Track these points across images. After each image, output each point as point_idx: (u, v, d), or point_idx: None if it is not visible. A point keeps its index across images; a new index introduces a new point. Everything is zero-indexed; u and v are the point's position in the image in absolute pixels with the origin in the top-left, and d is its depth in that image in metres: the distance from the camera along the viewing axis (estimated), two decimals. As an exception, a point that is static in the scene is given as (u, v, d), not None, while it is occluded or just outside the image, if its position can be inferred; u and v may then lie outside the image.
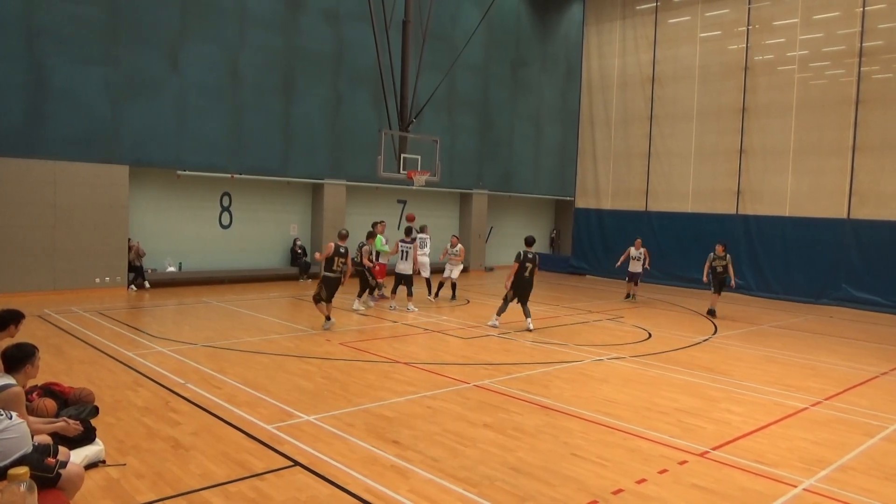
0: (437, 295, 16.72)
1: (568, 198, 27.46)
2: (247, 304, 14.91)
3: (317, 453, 6.09)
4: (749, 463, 6.36)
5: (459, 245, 16.91)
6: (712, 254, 16.06)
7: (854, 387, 9.61)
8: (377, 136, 17.01)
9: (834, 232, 18.74)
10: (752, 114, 20.54)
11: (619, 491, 5.57)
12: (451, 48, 22.03)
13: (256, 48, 18.33)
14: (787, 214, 19.79)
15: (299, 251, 19.98)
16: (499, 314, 13.21)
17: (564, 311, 15.63)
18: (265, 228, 19.85)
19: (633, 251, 18.21)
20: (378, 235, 15.68)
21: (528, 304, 13.23)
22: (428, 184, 18.11)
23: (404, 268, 14.91)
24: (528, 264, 12.93)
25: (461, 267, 16.85)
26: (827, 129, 18.96)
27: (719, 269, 15.83)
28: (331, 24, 19.96)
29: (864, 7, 18.29)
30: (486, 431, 6.91)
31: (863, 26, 18.31)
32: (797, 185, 19.64)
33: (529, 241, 13.25)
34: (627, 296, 18.39)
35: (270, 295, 16.54)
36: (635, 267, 18.13)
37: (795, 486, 5.84)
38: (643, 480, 5.81)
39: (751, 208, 20.62)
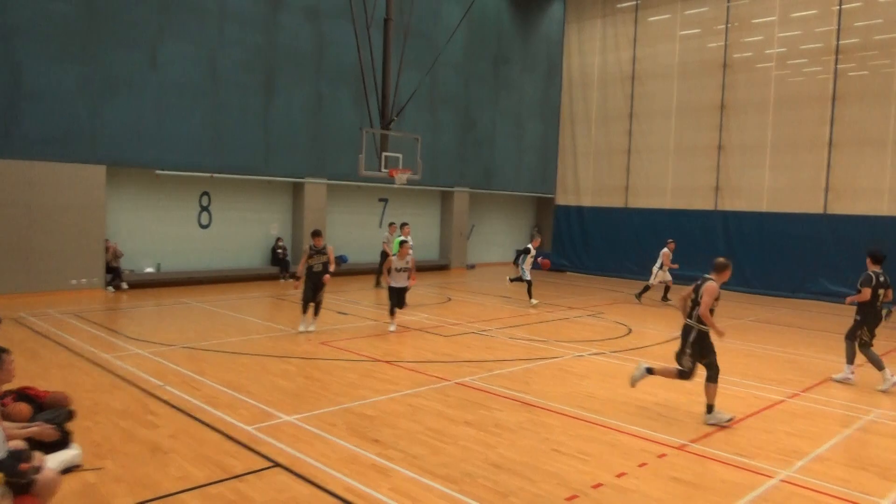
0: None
1: (549, 195, 27.57)
2: (226, 304, 14.80)
3: (297, 453, 6.06)
4: (728, 455, 6.43)
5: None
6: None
7: (830, 378, 9.75)
8: (358, 134, 16.95)
9: (811, 227, 19.01)
10: (731, 110, 20.76)
11: (599, 485, 5.60)
12: (433, 46, 22.00)
13: (236, 46, 18.17)
14: (764, 210, 20.03)
15: (280, 251, 19.86)
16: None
17: (545, 308, 15.70)
18: (245, 228, 19.71)
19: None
20: (400, 238, 15.09)
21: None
22: (409, 182, 18.07)
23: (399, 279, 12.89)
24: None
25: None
26: (804, 126, 19.22)
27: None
28: (311, 22, 19.84)
29: (840, 5, 18.54)
30: (467, 429, 6.92)
31: (839, 24, 18.57)
32: (774, 180, 19.89)
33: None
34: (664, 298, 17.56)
35: (251, 295, 16.42)
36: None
37: (773, 477, 5.91)
38: (623, 474, 5.85)
39: (729, 204, 20.85)
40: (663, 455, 6.36)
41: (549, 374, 9.39)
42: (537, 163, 28.30)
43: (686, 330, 7.56)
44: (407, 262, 12.21)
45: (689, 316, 7.54)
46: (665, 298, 17.63)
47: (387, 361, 9.79)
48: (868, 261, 9.48)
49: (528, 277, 16.08)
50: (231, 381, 8.48)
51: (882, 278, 9.29)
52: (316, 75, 20.07)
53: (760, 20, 20.16)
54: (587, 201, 24.68)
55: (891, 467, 6.28)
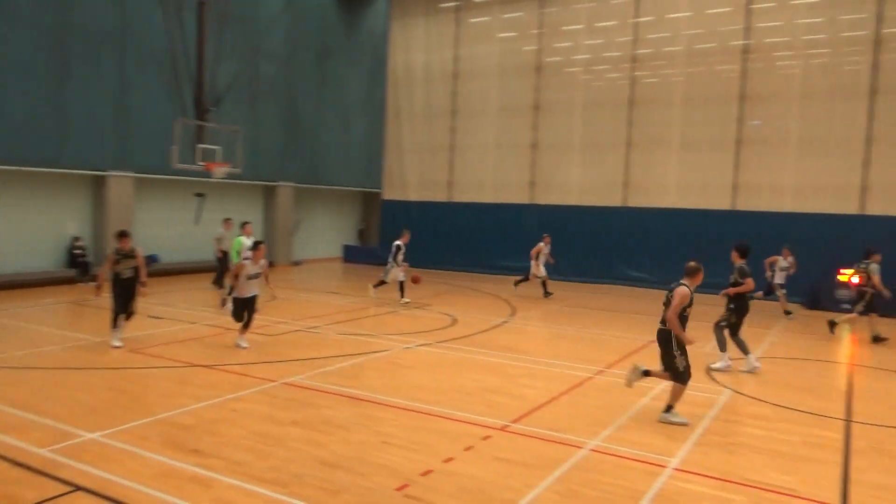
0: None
1: (376, 190, 27.67)
2: (13, 313, 13.03)
3: (103, 474, 5.49)
4: (544, 431, 6.88)
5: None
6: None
7: (630, 354, 10.83)
8: (171, 124, 15.74)
9: (613, 219, 20.94)
10: (544, 111, 22.23)
11: (429, 472, 5.73)
12: (253, 34, 21.06)
13: (21, 24, 16.01)
14: (574, 203, 21.72)
15: (78, 252, 17.88)
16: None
17: (373, 302, 15.75)
18: (34, 226, 17.48)
19: (781, 261, 15.82)
20: (240, 238, 14.04)
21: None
22: (229, 176, 17.17)
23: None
24: None
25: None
26: (606, 126, 21.10)
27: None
28: (112, 0, 18.05)
29: (636, 18, 20.57)
30: (294, 429, 6.73)
31: (636, 36, 20.61)
32: (583, 176, 21.65)
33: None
34: (786, 312, 15.85)
35: (43, 302, 14.62)
36: (780, 278, 15.88)
37: (583, 447, 6.43)
38: (451, 459, 6.03)
39: (543, 198, 22.34)
40: (488, 437, 6.66)
41: (378, 368, 9.42)
42: (364, 158, 28.27)
43: (663, 334, 7.51)
44: (262, 267, 10.42)
45: (662, 321, 7.53)
46: (519, 286, 17.96)
47: (206, 366, 9.22)
48: (735, 254, 10.10)
49: (403, 277, 15.44)
50: (19, 399, 7.48)
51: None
52: (119, 59, 18.30)
53: (569, 27, 21.79)
54: (413, 196, 25.13)
55: (677, 429, 7.11)
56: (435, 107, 24.46)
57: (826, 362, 11.22)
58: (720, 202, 19.46)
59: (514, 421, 7.18)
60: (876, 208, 17.45)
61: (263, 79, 22.96)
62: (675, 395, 7.42)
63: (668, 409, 7.42)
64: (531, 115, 22.39)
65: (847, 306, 15.70)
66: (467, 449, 6.31)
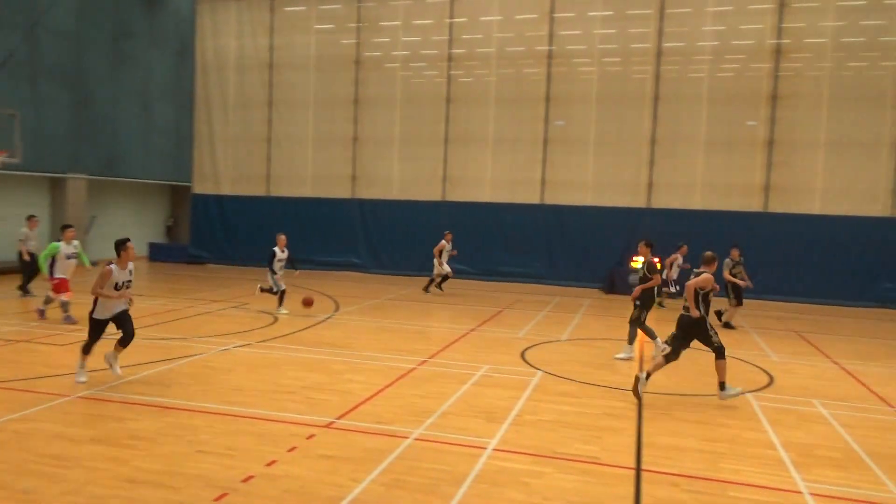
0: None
1: (185, 183, 25.85)
2: None
3: None
4: (369, 425, 6.87)
5: None
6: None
7: (451, 344, 11.19)
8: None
9: (431, 213, 21.49)
10: (364, 105, 22.19)
11: (250, 477, 5.45)
12: (31, 5, 18.57)
13: None
14: (394, 198, 21.97)
15: None
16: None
17: (185, 303, 14.71)
18: None
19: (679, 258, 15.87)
20: (56, 244, 11.95)
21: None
22: (5, 166, 15.03)
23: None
24: None
25: None
26: (425, 122, 21.60)
27: None
28: None
29: (451, 19, 21.23)
30: (93, 447, 6.05)
31: (451, 35, 21.27)
32: (402, 171, 21.97)
33: None
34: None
35: None
36: (675, 273, 16.10)
37: (408, 437, 6.52)
38: (273, 462, 5.79)
39: (365, 192, 22.34)
40: (312, 436, 6.49)
41: (190, 374, 8.80)
42: (170, 148, 26.26)
43: (690, 320, 8.13)
44: (131, 274, 8.23)
45: (686, 308, 8.15)
46: (430, 289, 17.80)
47: (-20, 383, 7.98)
48: (645, 249, 10.58)
49: (281, 286, 13.76)
50: None
51: None
52: None
53: (387, 23, 21.94)
54: (227, 190, 23.84)
55: (495, 411, 7.48)
56: (249, 97, 23.40)
57: (621, 341, 12.43)
58: (530, 196, 20.81)
59: (339, 417, 7.09)
60: (660, 202, 19.71)
61: (46, 56, 20.39)
62: (722, 371, 8.11)
63: (722, 385, 8.12)
64: (351, 108, 22.26)
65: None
66: (291, 450, 6.11)
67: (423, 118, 21.65)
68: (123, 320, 8.10)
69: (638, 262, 19.02)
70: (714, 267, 8.53)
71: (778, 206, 18.80)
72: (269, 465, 5.74)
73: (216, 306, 14.50)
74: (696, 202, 19.41)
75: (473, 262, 20.99)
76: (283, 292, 13.68)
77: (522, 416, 7.38)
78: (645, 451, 6.45)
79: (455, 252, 18.19)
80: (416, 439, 6.51)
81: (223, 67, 23.68)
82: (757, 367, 10.34)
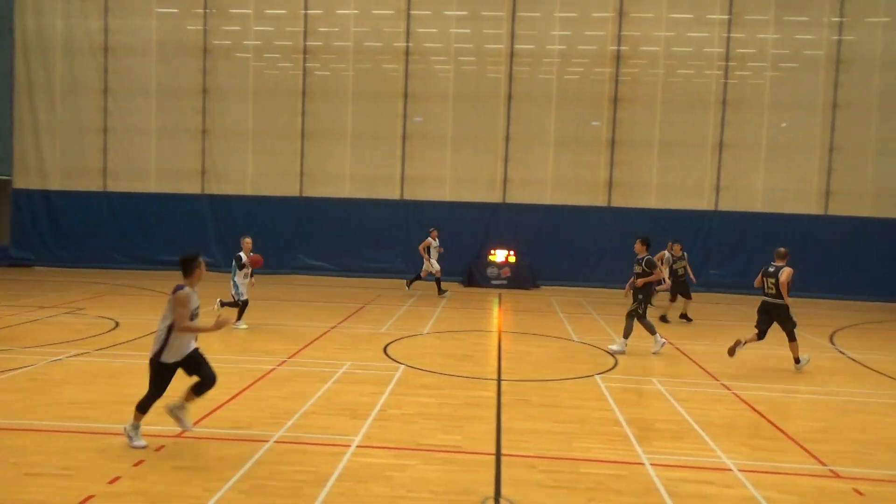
0: None
1: (4, 177, 23.09)
2: None
3: None
4: (226, 431, 6.53)
5: None
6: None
7: (312, 342, 10.93)
8: None
9: (291, 208, 20.86)
10: (214, 95, 21.03)
11: (89, 498, 4.97)
12: None
13: None
14: (249, 193, 21.05)
15: None
16: None
17: (7, 311, 13.14)
18: None
19: (667, 255, 15.09)
20: None
21: None
22: None
23: None
24: None
25: None
26: (280, 115, 20.88)
27: None
28: None
29: (306, 10, 20.65)
30: None
31: (306, 27, 20.69)
32: (256, 165, 21.10)
33: None
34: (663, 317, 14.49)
35: None
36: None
37: (268, 441, 6.26)
38: (117, 479, 5.32)
39: (216, 188, 21.21)
40: (161, 447, 6.05)
41: (16, 388, 7.87)
42: (-14, 138, 23.32)
43: (779, 307, 9.86)
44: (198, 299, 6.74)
45: (775, 296, 9.89)
46: (408, 284, 17.66)
47: None
48: (641, 246, 11.14)
49: (246, 296, 12.30)
50: None
51: None
52: None
53: (237, 11, 20.91)
54: (55, 185, 21.56)
55: (358, 408, 7.40)
56: (81, 83, 21.33)
57: (482, 332, 12.83)
58: (390, 192, 20.83)
59: (192, 425, 6.66)
60: (515, 197, 20.52)
61: None
62: (796, 349, 10.00)
63: (797, 360, 10.00)
64: (199, 98, 21.02)
65: (498, 282, 18.52)
66: (137, 464, 5.64)
67: (279, 111, 20.93)
68: (198, 362, 6.30)
69: (496, 255, 19.82)
70: (788, 259, 10.06)
71: (620, 201, 20.28)
72: (111, 482, 5.27)
73: (45, 313, 13.09)
74: (548, 197, 20.44)
75: (333, 258, 20.69)
76: (245, 304, 12.13)
77: (386, 411, 7.36)
78: (504, 437, 6.67)
79: (442, 249, 17.80)
80: (277, 442, 6.27)
81: (48, 49, 21.36)
82: (604, 350, 11.07)
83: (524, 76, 20.37)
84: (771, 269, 10.04)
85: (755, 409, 8.01)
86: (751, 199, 20.11)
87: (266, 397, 7.75)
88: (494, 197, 20.62)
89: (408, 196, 20.79)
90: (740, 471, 6.02)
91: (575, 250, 19.98)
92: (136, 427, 6.07)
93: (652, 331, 10.90)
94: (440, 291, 17.40)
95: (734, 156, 20.04)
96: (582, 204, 20.28)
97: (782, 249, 10.15)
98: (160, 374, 6.09)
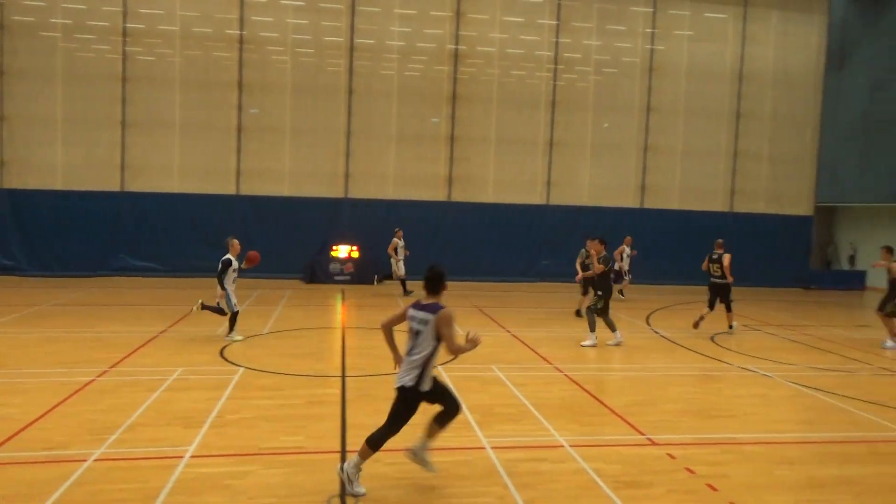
0: None
1: None
2: None
3: None
4: (35, 453, 5.82)
5: None
6: None
7: (138, 349, 10.07)
8: None
9: (106, 203, 19.00)
10: (12, 78, 18.65)
11: None
12: None
13: None
14: (59, 188, 18.94)
15: None
16: None
17: None
18: None
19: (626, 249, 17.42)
20: None
21: None
22: None
23: None
24: None
25: None
26: (97, 103, 18.96)
27: None
28: None
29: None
30: None
31: (125, 7, 18.91)
32: (68, 157, 19.01)
33: None
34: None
35: None
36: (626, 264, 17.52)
37: (86, 460, 5.66)
38: None
39: (18, 181, 18.85)
40: (-50, 478, 5.24)
41: None
42: None
43: None
44: None
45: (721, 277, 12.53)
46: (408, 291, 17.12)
47: None
48: (598, 245, 11.52)
49: (236, 307, 10.85)
50: None
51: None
52: None
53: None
54: None
55: (192, 416, 6.93)
56: None
57: (325, 329, 12.59)
58: (224, 186, 19.77)
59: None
60: (357, 192, 20.35)
61: None
62: (731, 318, 12.61)
63: (731, 326, 12.62)
64: (-4, 81, 18.56)
65: (341, 278, 18.29)
66: (-82, 500, 4.85)
67: (94, 98, 19.00)
68: (442, 389, 5.50)
69: (339, 251, 19.53)
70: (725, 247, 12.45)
71: (460, 196, 20.87)
72: None
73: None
74: (390, 192, 20.52)
75: (161, 258, 19.25)
76: (236, 314, 10.85)
77: (223, 417, 6.97)
78: (349, 433, 6.59)
79: (408, 252, 17.34)
80: (98, 460, 5.69)
81: None
82: (446, 341, 11.32)
83: (365, 71, 20.25)
84: (715, 256, 12.79)
85: (584, 389, 8.61)
86: (578, 193, 21.63)
87: (84, 412, 7.01)
88: (336, 192, 20.33)
89: (244, 191, 19.85)
90: (571, 446, 6.43)
91: (418, 244, 20.25)
92: (359, 468, 5.28)
93: (612, 327, 11.32)
94: (405, 292, 17.12)
95: (563, 153, 21.42)
96: (424, 199, 20.61)
97: (720, 241, 12.82)
98: (412, 406, 5.32)
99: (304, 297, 16.45)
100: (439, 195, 20.82)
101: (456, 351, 5.24)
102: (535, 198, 21.41)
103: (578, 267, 14.04)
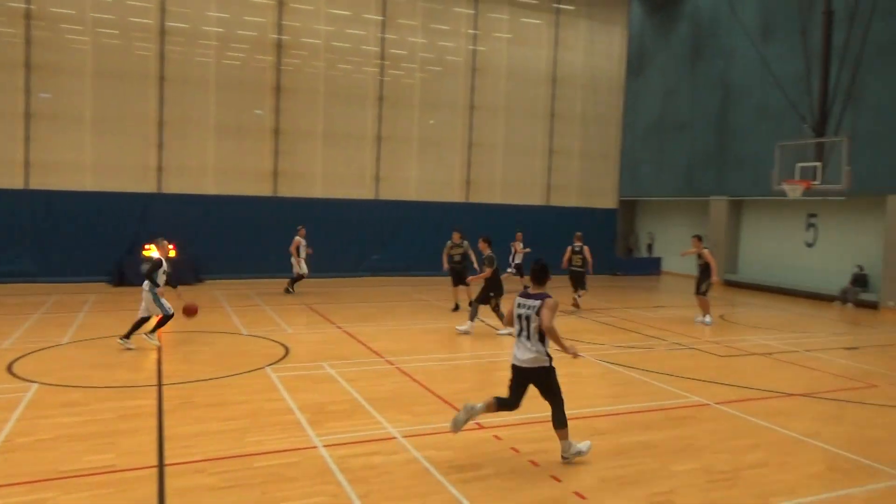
0: None
1: None
2: None
3: None
4: None
5: None
6: None
7: None
8: None
9: None
10: None
11: None
12: None
13: None
14: None
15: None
16: None
17: None
18: None
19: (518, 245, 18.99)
20: None
21: None
22: None
23: None
24: None
25: None
26: None
27: None
28: None
29: None
30: None
31: None
32: None
33: None
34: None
35: None
36: (519, 258, 18.88)
37: None
38: None
39: None
40: None
41: None
42: None
43: None
44: None
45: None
46: (288, 289, 16.70)
47: None
48: (484, 244, 12.59)
49: (168, 310, 10.35)
50: None
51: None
52: None
53: None
54: None
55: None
56: None
57: (136, 335, 11.54)
58: (11, 181, 17.37)
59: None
60: (172, 187, 18.90)
61: None
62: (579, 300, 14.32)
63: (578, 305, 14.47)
64: None
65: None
66: None
67: None
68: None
69: (151, 249, 17.99)
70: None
71: (286, 191, 20.21)
72: None
73: None
74: (210, 187, 19.32)
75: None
76: (167, 318, 10.36)
77: (13, 441, 6.12)
78: (168, 445, 6.10)
79: (311, 250, 16.91)
80: None
81: None
82: (274, 341, 10.92)
83: (178, 57, 18.81)
84: (577, 248, 15.26)
85: (415, 379, 8.74)
86: (406, 188, 21.92)
87: None
88: (148, 186, 18.71)
89: (35, 185, 17.56)
90: (403, 437, 6.49)
91: (241, 241, 19.33)
92: (571, 443, 6.03)
93: (504, 319, 11.54)
94: (288, 289, 16.73)
95: (391, 148, 21.57)
96: (247, 194, 19.69)
97: (579, 233, 15.47)
98: (554, 376, 6.09)
99: (111, 302, 14.96)
100: (265, 190, 20.00)
101: (550, 330, 5.86)
102: (365, 192, 21.35)
103: (445, 259, 14.59)
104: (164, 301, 10.29)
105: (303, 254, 16.85)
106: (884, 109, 18.01)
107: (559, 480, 5.64)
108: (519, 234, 19.29)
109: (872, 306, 18.08)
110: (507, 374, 6.25)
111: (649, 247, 28.21)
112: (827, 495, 5.57)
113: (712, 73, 24.05)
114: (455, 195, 22.66)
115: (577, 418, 7.29)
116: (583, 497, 5.34)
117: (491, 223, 22.01)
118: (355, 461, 5.85)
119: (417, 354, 10.30)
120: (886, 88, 17.92)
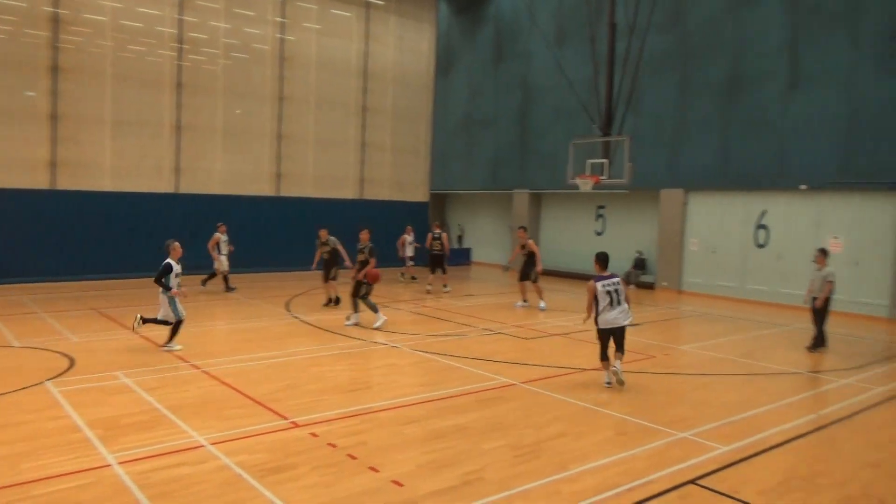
0: None
1: None
2: None
3: None
4: None
5: None
6: None
7: None
8: None
9: None
10: None
11: None
12: None
13: None
14: None
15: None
16: None
17: None
18: None
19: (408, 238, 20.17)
20: None
21: None
22: None
23: None
24: None
25: None
26: None
27: None
28: None
29: None
30: None
31: None
32: None
33: None
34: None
35: None
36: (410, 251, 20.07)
37: None
38: None
39: None
40: None
41: None
42: None
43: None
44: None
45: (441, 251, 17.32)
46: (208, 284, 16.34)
47: None
48: (368, 235, 12.74)
49: (182, 314, 9.82)
50: None
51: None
52: None
53: None
54: None
55: None
56: None
57: None
58: None
59: None
60: (65, 183, 16.13)
61: None
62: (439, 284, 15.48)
63: (430, 291, 15.87)
64: None
65: None
66: None
67: None
68: (620, 337, 8.73)
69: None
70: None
71: (68, 184, 17.99)
72: None
73: None
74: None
75: None
76: (179, 323, 9.96)
77: None
78: (-85, 483, 5.12)
79: (232, 247, 16.67)
80: None
81: None
82: (56, 352, 9.69)
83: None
84: (436, 234, 17.39)
85: (224, 383, 8.25)
86: (210, 181, 20.61)
87: None
88: (41, 182, 15.74)
89: None
90: (212, 444, 6.09)
91: (14, 241, 16.92)
92: (615, 369, 8.51)
93: (374, 309, 12.20)
94: (228, 288, 16.56)
95: (193, 139, 20.13)
96: (19, 186, 17.23)
97: (438, 223, 17.88)
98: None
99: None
100: (40, 182, 17.64)
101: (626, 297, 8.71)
102: (163, 185, 19.72)
103: (317, 256, 14.79)
104: (178, 305, 9.94)
105: (224, 250, 16.60)
106: (657, 114, 20.44)
107: (377, 471, 5.65)
108: (409, 228, 20.65)
109: (650, 287, 20.49)
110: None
111: (459, 238, 29.39)
112: (616, 457, 6.17)
113: (514, 74, 25.60)
114: (264, 188, 21.77)
115: (393, 408, 7.37)
116: (400, 484, 5.40)
117: (303, 217, 21.52)
118: (158, 475, 5.37)
119: (226, 357, 9.74)
120: (660, 96, 20.34)
